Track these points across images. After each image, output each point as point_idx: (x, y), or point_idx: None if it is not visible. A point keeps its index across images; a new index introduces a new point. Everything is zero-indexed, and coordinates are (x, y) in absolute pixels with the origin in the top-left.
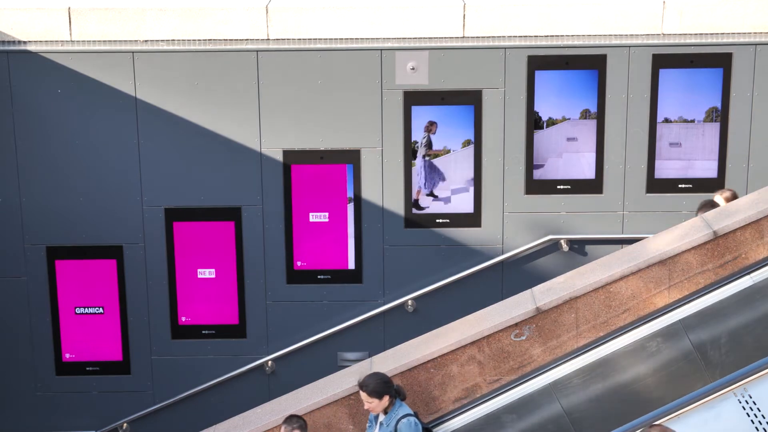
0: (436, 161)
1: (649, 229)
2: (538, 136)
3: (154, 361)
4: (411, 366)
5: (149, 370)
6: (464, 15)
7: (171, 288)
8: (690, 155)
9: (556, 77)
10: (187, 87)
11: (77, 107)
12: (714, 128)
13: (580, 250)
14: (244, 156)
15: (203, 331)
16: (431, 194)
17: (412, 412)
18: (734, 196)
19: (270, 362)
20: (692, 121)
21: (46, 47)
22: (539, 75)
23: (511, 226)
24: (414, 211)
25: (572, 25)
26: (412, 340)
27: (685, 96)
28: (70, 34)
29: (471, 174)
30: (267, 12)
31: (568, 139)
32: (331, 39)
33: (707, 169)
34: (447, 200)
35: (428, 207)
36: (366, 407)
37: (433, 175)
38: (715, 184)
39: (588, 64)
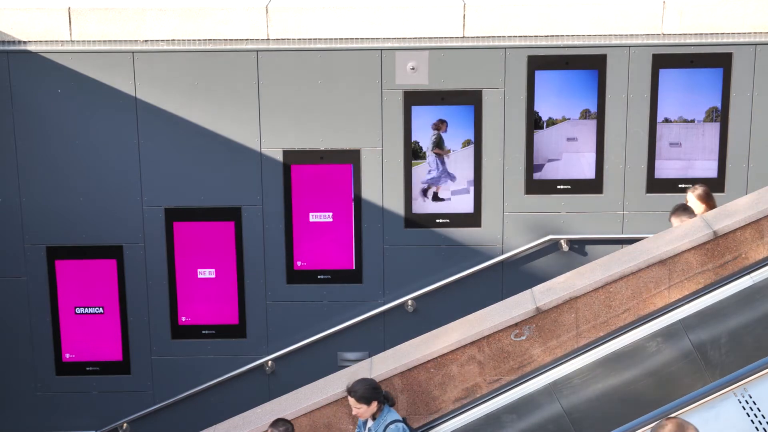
0: (427, 166)
1: (649, 229)
2: (538, 136)
3: (154, 361)
4: (411, 366)
5: (149, 370)
6: (464, 15)
7: (171, 288)
8: (690, 155)
9: (556, 77)
10: (187, 87)
11: (77, 107)
12: (714, 128)
13: (580, 250)
14: (244, 156)
15: (203, 331)
16: (435, 196)
17: (400, 418)
18: (706, 193)
19: (270, 362)
20: (692, 121)
21: (46, 47)
22: (539, 75)
23: (511, 226)
24: (432, 202)
25: (572, 25)
26: (412, 340)
27: (685, 96)
28: (70, 34)
29: (471, 174)
30: (267, 12)
31: (568, 139)
32: (331, 39)
33: (707, 169)
34: (449, 198)
35: (449, 199)
36: (354, 413)
37: (448, 171)
38: (715, 184)
39: (588, 64)
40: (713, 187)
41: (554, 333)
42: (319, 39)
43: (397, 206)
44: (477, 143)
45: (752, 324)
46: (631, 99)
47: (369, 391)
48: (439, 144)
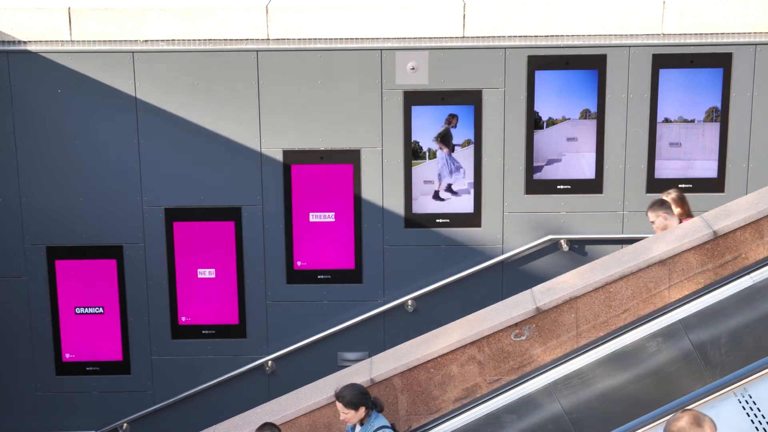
0: (437, 160)
1: (649, 229)
2: (538, 136)
3: (154, 361)
4: (411, 366)
5: (149, 370)
6: (464, 15)
7: (171, 288)
8: (690, 155)
9: (556, 77)
10: (187, 87)
11: (77, 107)
12: (714, 128)
13: (580, 250)
14: (244, 156)
15: (203, 331)
16: (449, 189)
17: (388, 424)
18: (680, 197)
19: (270, 362)
20: (692, 121)
21: (46, 47)
22: (539, 75)
23: (511, 226)
24: (434, 201)
25: (572, 25)
26: (412, 340)
27: (685, 96)
28: (70, 34)
29: (471, 174)
30: (267, 12)
31: (568, 139)
32: (331, 39)
33: (707, 169)
34: (461, 193)
35: (449, 199)
36: (342, 418)
37: (456, 167)
38: (715, 183)
39: (588, 64)
40: (713, 187)
41: (554, 333)
42: (319, 39)
43: (397, 206)
44: (477, 143)
45: (752, 324)
46: (631, 99)
47: (357, 397)
48: (444, 138)
